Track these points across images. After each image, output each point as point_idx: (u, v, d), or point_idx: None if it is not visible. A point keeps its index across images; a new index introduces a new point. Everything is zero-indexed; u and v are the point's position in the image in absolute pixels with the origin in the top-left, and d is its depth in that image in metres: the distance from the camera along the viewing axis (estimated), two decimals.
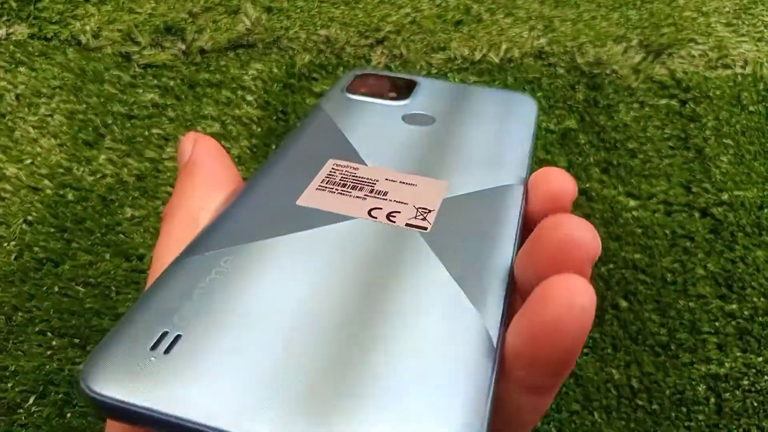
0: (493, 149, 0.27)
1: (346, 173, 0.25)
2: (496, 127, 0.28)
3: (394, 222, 0.23)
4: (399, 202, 0.24)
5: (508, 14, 0.43)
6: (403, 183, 0.25)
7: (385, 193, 0.24)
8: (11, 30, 0.40)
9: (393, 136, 0.27)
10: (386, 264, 0.21)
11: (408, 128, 0.27)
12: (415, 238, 0.22)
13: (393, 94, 0.29)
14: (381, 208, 0.24)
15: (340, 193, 0.24)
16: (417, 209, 0.24)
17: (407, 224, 0.23)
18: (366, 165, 0.25)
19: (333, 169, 0.25)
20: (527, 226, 0.23)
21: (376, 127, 0.27)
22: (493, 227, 0.23)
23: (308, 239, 0.22)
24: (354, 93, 0.29)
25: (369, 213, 0.23)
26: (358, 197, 0.24)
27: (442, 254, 0.22)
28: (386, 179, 0.25)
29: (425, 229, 0.23)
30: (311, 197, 0.23)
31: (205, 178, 0.24)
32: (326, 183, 0.24)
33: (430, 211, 0.24)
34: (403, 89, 0.30)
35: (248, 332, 0.18)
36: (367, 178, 0.25)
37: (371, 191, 0.25)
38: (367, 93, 0.29)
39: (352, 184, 0.25)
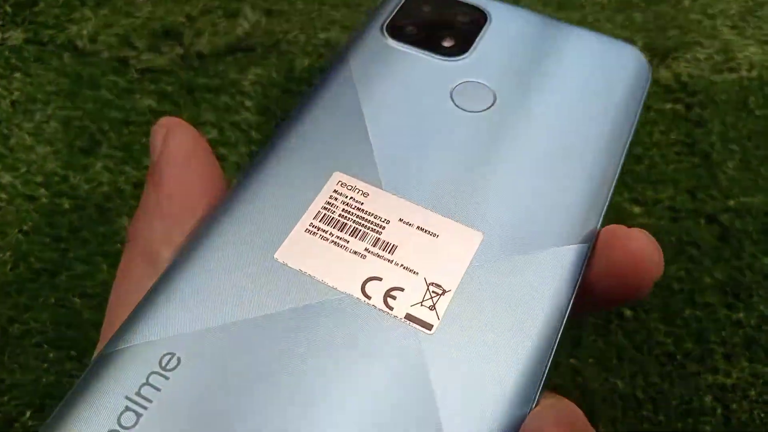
0: (565, 171, 0.20)
1: (350, 204, 0.19)
2: (579, 122, 0.21)
3: (392, 309, 0.17)
4: (407, 269, 0.18)
5: None
6: (422, 230, 0.19)
7: (394, 248, 0.18)
8: (6, 35, 0.40)
9: (430, 129, 0.21)
10: (362, 392, 0.16)
11: (453, 114, 0.21)
12: (412, 344, 0.17)
13: (449, 42, 0.23)
14: (381, 279, 0.18)
15: (335, 242, 0.18)
16: (428, 286, 0.18)
17: (407, 315, 0.17)
18: (381, 184, 0.19)
19: (336, 192, 0.19)
20: (583, 295, 0.18)
21: (409, 111, 0.21)
22: (528, 331, 0.17)
23: (272, 329, 0.16)
24: (396, 35, 0.22)
25: (363, 288, 0.18)
26: (356, 252, 0.18)
27: (443, 384, 0.16)
28: (401, 220, 0.19)
29: (429, 328, 0.17)
30: (295, 247, 0.18)
31: (172, 194, 0.19)
32: (320, 220, 0.19)
33: (444, 292, 0.18)
34: (466, 31, 0.23)
35: None
36: (376, 216, 0.19)
37: (376, 242, 0.18)
38: (414, 36, 0.23)
39: (353, 225, 0.19)
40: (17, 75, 0.39)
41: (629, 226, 0.18)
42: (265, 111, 0.39)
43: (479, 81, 0.22)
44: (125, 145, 0.37)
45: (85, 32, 0.40)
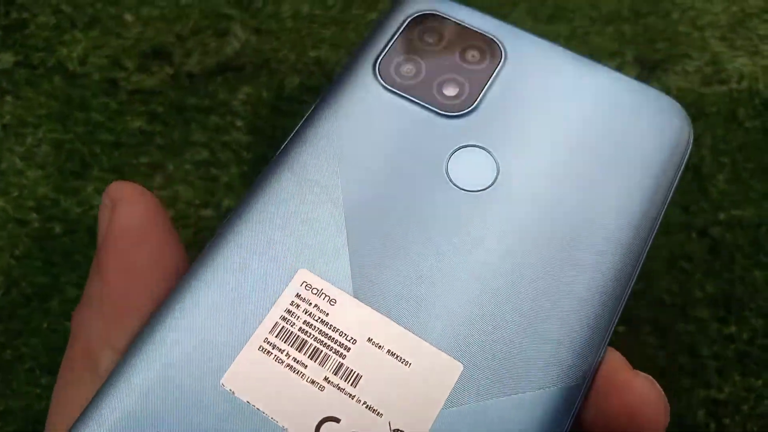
0: (570, 288, 0.17)
1: (314, 315, 0.16)
2: (597, 216, 0.18)
3: None
4: (371, 408, 0.15)
5: None
6: (393, 355, 0.16)
7: (358, 379, 0.16)
8: None
9: (417, 214, 0.18)
10: None
11: (447, 194, 0.18)
12: None
13: (452, 90, 0.20)
14: (338, 421, 0.15)
15: (291, 367, 0.16)
16: None
17: None
18: (352, 287, 0.16)
19: (298, 297, 0.16)
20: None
21: (396, 187, 0.18)
22: None
23: None
24: (388, 77, 0.20)
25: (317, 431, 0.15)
26: (314, 382, 0.15)
27: None
28: (370, 340, 0.16)
29: None
30: (245, 370, 0.15)
31: (115, 287, 0.16)
32: (277, 335, 0.16)
33: None
34: (474, 74, 0.20)
35: None
36: (341, 333, 0.16)
37: (338, 368, 0.16)
38: (411, 80, 0.20)
39: (314, 344, 0.16)
40: (8, 98, 0.39)
41: None
42: (256, 130, 0.39)
43: (482, 146, 0.19)
44: (116, 167, 0.38)
45: (75, 54, 0.40)
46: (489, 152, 0.19)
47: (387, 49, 0.21)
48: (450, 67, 0.21)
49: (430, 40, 0.21)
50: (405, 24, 0.21)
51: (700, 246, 0.37)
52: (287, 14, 0.42)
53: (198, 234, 0.36)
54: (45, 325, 0.34)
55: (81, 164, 0.38)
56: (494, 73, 0.20)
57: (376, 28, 0.21)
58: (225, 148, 0.38)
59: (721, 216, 0.37)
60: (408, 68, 0.20)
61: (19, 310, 0.34)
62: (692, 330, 0.36)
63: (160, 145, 0.38)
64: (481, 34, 0.21)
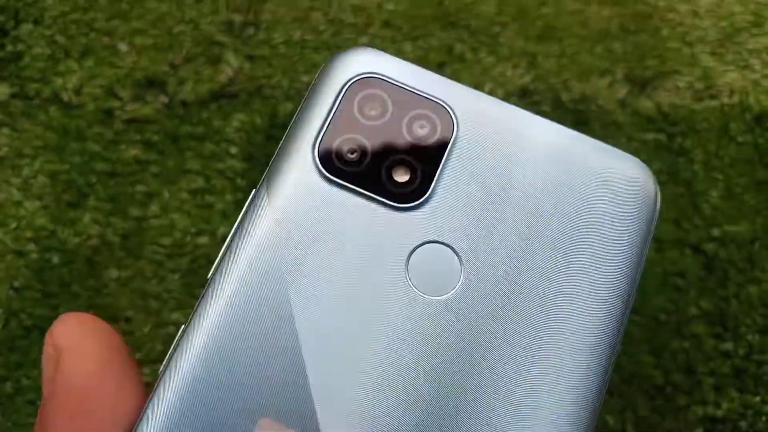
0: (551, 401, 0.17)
1: None
2: (575, 308, 0.17)
3: None
4: None
5: (491, 52, 0.43)
6: None
7: None
8: None
9: (380, 329, 0.16)
10: None
11: (412, 303, 0.17)
12: None
13: (402, 176, 0.18)
14: None
15: None
16: None
17: None
18: (316, 426, 0.15)
19: None
20: None
21: (355, 302, 0.17)
22: None
23: None
24: (329, 165, 0.18)
25: None
26: None
27: None
28: None
29: None
30: None
31: None
32: None
33: None
34: (426, 154, 0.18)
35: None
36: None
37: None
38: (355, 167, 0.18)
39: None
40: (5, 130, 0.40)
41: None
42: (250, 157, 0.39)
43: (443, 242, 0.18)
44: (112, 196, 0.38)
45: (70, 85, 0.41)
46: (451, 248, 0.18)
47: (325, 128, 0.18)
48: (398, 145, 0.19)
49: (373, 113, 0.19)
50: (342, 93, 0.19)
51: (693, 262, 0.37)
52: (279, 40, 0.42)
53: (194, 262, 0.37)
54: None
55: (77, 194, 0.38)
56: (448, 149, 0.18)
57: (310, 96, 0.19)
58: (220, 175, 0.38)
59: (715, 232, 0.38)
60: (351, 151, 0.18)
61: (19, 342, 0.35)
62: (688, 347, 0.36)
63: (156, 174, 0.38)
64: (428, 99, 0.19)
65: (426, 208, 0.18)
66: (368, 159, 0.18)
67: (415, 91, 0.19)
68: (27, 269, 0.36)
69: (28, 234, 0.37)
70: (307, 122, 0.18)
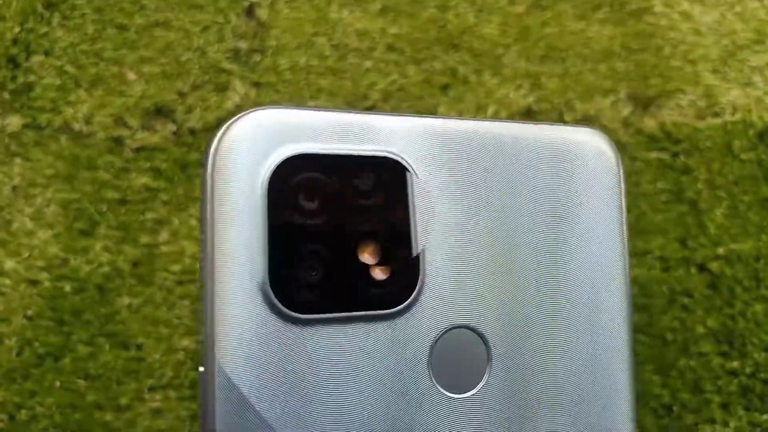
0: None
1: None
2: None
3: None
4: None
5: (495, 74, 0.44)
6: None
7: None
8: (6, 122, 0.41)
9: None
10: None
11: (436, 403, 0.15)
12: None
13: (380, 271, 0.15)
14: None
15: None
16: None
17: None
18: None
19: None
20: None
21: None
22: None
23: None
24: (295, 303, 0.15)
25: None
26: None
27: None
28: None
29: None
30: None
31: None
32: None
33: None
34: (393, 221, 0.15)
35: None
36: None
37: None
38: (323, 291, 0.15)
39: None
40: (17, 160, 0.40)
41: None
42: None
43: (462, 325, 0.15)
44: (123, 224, 0.39)
45: (80, 114, 0.41)
46: (474, 330, 0.16)
47: (269, 259, 0.14)
48: (359, 235, 0.15)
49: (312, 206, 0.15)
50: (267, 194, 0.15)
51: (699, 281, 0.37)
52: (285, 66, 0.43)
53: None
54: (58, 384, 0.35)
55: (89, 223, 0.39)
56: (412, 210, 0.16)
57: (217, 210, 0.15)
58: None
59: (720, 250, 0.38)
60: (312, 273, 0.15)
61: (33, 370, 0.35)
62: (695, 366, 0.36)
63: (165, 201, 0.39)
64: (371, 157, 0.16)
65: (425, 296, 0.15)
66: (333, 270, 0.15)
67: (350, 153, 0.16)
68: (40, 298, 0.37)
69: (41, 263, 0.38)
70: (235, 252, 0.14)
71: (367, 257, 0.15)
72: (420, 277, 0.15)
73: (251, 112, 0.16)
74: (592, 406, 0.17)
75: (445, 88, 0.43)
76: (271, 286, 0.14)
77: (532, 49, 0.44)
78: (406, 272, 0.15)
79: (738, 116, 0.41)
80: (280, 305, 0.15)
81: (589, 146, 0.19)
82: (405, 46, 0.44)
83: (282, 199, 0.15)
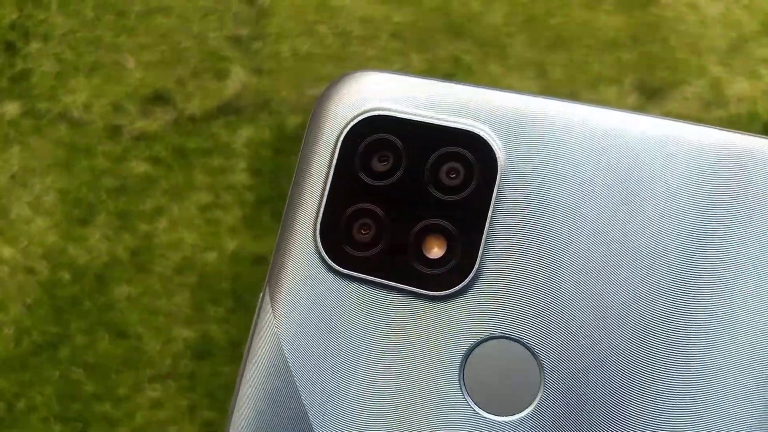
0: None
1: None
2: None
3: None
4: None
5: (499, 63, 0.43)
6: None
7: None
8: (5, 109, 0.41)
9: None
10: None
11: (468, 423, 0.13)
12: None
13: (437, 248, 0.14)
14: None
15: None
16: None
17: None
18: None
19: None
20: None
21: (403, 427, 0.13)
22: None
23: None
24: (343, 257, 0.14)
25: None
26: None
27: None
28: None
29: None
30: None
31: None
32: None
33: None
34: (463, 212, 0.14)
35: None
36: None
37: None
38: (375, 250, 0.14)
39: None
40: (16, 148, 0.40)
41: None
42: (258, 172, 0.39)
43: (510, 336, 0.13)
44: (122, 213, 0.38)
45: (79, 102, 0.41)
46: (522, 343, 0.13)
47: (324, 204, 0.14)
48: (424, 207, 0.14)
49: (383, 167, 0.14)
50: (339, 147, 0.14)
51: None
52: (286, 53, 0.42)
53: (202, 279, 0.37)
54: (57, 374, 0.35)
55: (87, 211, 0.38)
56: (494, 196, 0.14)
57: (303, 154, 0.15)
58: (228, 190, 0.39)
59: None
60: (363, 231, 0.14)
61: (31, 360, 0.35)
62: None
63: (165, 189, 0.39)
64: (457, 130, 0.14)
65: (474, 290, 0.13)
66: (387, 236, 0.14)
67: (437, 123, 0.14)
68: (38, 286, 0.37)
69: (39, 251, 0.37)
70: (302, 196, 0.15)
71: (423, 231, 0.15)
72: (475, 267, 0.14)
73: (350, 73, 0.16)
74: None
75: (449, 76, 0.42)
76: (322, 239, 0.15)
77: (538, 39, 0.43)
78: (462, 258, 0.14)
79: (744, 108, 0.41)
80: (324, 254, 0.15)
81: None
82: (409, 35, 0.43)
83: (352, 155, 0.15)
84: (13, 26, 0.42)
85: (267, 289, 0.15)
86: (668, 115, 0.41)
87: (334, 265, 0.15)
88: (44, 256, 0.37)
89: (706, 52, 0.42)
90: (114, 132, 0.41)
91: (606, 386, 0.13)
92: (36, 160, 0.40)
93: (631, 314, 0.13)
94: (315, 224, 0.15)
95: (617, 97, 0.41)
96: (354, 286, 0.14)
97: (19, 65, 0.41)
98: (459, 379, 0.13)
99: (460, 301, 0.14)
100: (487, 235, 0.14)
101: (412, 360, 0.14)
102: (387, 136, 0.15)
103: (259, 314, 0.15)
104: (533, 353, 0.13)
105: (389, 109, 0.15)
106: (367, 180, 0.15)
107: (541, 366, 0.13)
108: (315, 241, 0.15)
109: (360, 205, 0.15)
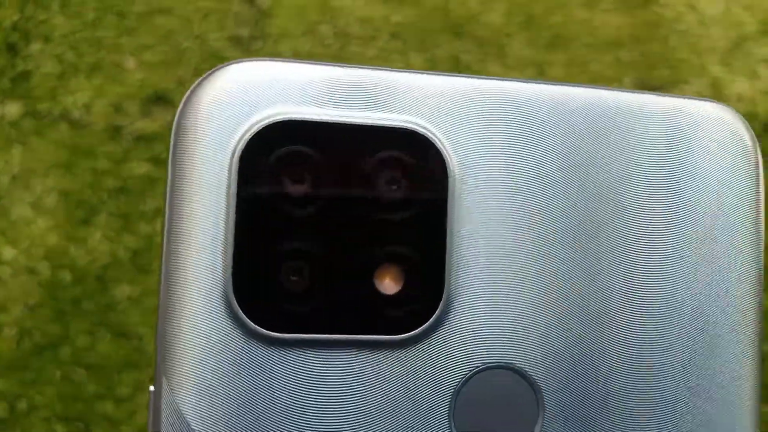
0: None
1: None
2: None
3: None
4: None
5: (499, 62, 0.43)
6: None
7: None
8: (6, 110, 0.41)
9: None
10: None
11: None
12: None
13: (390, 283, 0.12)
14: None
15: None
16: None
17: None
18: None
19: None
20: None
21: None
22: None
23: None
24: (272, 319, 0.11)
25: None
26: None
27: None
28: None
29: None
30: None
31: None
32: None
33: None
34: (413, 230, 0.12)
35: None
36: None
37: None
38: (307, 307, 0.11)
39: None
40: (17, 149, 0.40)
41: None
42: None
43: (499, 364, 0.11)
44: (123, 214, 0.38)
45: (80, 103, 0.41)
46: (515, 370, 0.11)
47: (234, 256, 0.11)
48: (367, 233, 0.11)
49: (302, 189, 0.11)
50: (236, 170, 0.11)
51: None
52: (287, 54, 0.42)
53: None
54: (58, 374, 0.35)
55: (89, 212, 0.38)
56: (448, 207, 0.11)
57: (180, 190, 0.11)
58: None
59: None
60: (293, 277, 0.11)
61: (33, 360, 0.35)
62: None
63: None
64: (391, 129, 0.12)
65: (450, 321, 0.11)
66: (324, 278, 0.11)
67: (360, 123, 0.11)
68: (39, 287, 0.37)
69: (41, 252, 0.38)
70: (196, 243, 0.11)
71: (373, 262, 0.11)
72: (444, 295, 0.11)
73: (232, 63, 0.11)
74: None
75: None
76: (237, 294, 0.11)
77: (538, 38, 0.43)
78: (425, 287, 0.11)
79: (743, 108, 0.41)
80: (246, 319, 0.11)
81: (715, 123, 0.14)
82: (408, 35, 0.44)
83: (257, 179, 0.11)
84: (14, 27, 0.42)
85: (163, 382, 0.11)
86: None
87: (264, 331, 0.11)
88: (45, 256, 0.37)
89: (706, 51, 0.42)
90: (115, 133, 0.41)
91: (603, 391, 0.12)
92: (37, 161, 0.40)
93: (612, 311, 0.13)
94: (225, 279, 0.11)
95: None
96: (293, 352, 0.11)
97: (20, 66, 0.42)
98: (450, 427, 0.12)
99: (434, 337, 0.11)
100: (451, 252, 0.11)
101: (387, 416, 0.11)
102: (301, 147, 0.11)
103: (157, 408, 0.11)
104: (527, 378, 0.12)
105: (297, 112, 0.11)
106: (287, 209, 0.11)
107: (537, 389, 0.12)
108: (228, 302, 0.11)
109: (283, 245, 0.11)
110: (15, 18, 0.42)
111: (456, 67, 0.43)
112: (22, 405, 0.35)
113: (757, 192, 0.14)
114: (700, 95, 0.41)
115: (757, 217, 0.14)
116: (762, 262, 0.14)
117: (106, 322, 0.36)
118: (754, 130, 0.41)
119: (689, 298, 0.12)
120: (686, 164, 0.13)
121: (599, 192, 0.12)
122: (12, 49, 0.42)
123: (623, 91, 0.14)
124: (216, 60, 0.42)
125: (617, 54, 0.43)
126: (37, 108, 0.41)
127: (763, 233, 0.14)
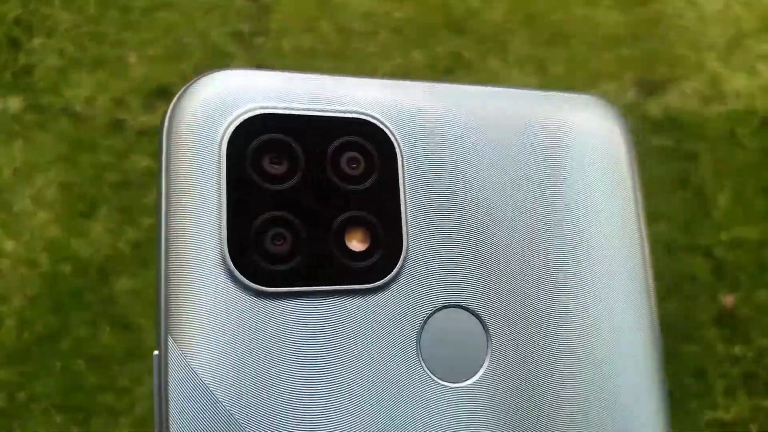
0: None
1: None
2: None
3: None
4: None
5: (499, 58, 0.43)
6: None
7: None
8: (8, 103, 0.41)
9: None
10: None
11: (429, 394, 0.14)
12: None
13: (361, 241, 0.14)
14: None
15: None
16: None
17: None
18: None
19: None
20: None
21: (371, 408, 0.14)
22: None
23: None
24: (261, 274, 0.14)
25: None
26: None
27: None
28: None
29: None
30: None
31: None
32: None
33: None
34: (374, 197, 0.14)
35: None
36: None
37: None
38: (293, 262, 0.14)
39: None
40: (19, 142, 0.40)
41: None
42: None
43: (456, 304, 0.14)
44: (124, 207, 0.38)
45: (82, 97, 0.41)
46: (467, 309, 0.15)
47: (228, 225, 0.13)
48: (336, 202, 0.14)
49: (281, 169, 0.14)
50: (224, 155, 0.14)
51: (704, 267, 0.37)
52: (288, 49, 0.43)
53: None
54: (58, 365, 0.35)
55: (90, 205, 0.38)
56: (401, 175, 0.15)
57: (175, 174, 0.14)
58: None
59: (724, 236, 0.38)
60: (277, 242, 0.14)
61: (33, 351, 0.35)
62: (698, 351, 0.36)
63: None
64: (347, 119, 0.15)
65: (410, 270, 0.14)
66: (303, 240, 0.14)
67: (322, 115, 0.15)
68: (40, 279, 0.37)
69: (41, 244, 0.37)
70: (192, 216, 0.13)
71: (342, 225, 0.15)
72: (404, 249, 0.15)
73: (211, 73, 0.15)
74: (612, 402, 0.15)
75: (448, 71, 0.43)
76: (232, 256, 0.14)
77: (538, 35, 0.44)
78: (388, 243, 0.15)
79: (742, 104, 0.41)
80: (241, 276, 0.13)
81: (591, 116, 0.17)
82: (409, 30, 0.44)
83: (242, 162, 0.14)
84: (17, 21, 0.42)
85: (168, 337, 0.13)
86: (667, 111, 0.41)
87: (256, 286, 0.14)
88: (46, 249, 0.37)
89: (705, 48, 0.43)
90: (117, 126, 0.41)
91: (538, 323, 0.15)
92: (39, 154, 0.40)
93: (540, 265, 0.16)
94: (221, 245, 0.13)
95: (617, 92, 0.41)
96: (281, 303, 0.14)
97: (23, 60, 0.42)
98: (418, 357, 0.14)
99: (397, 284, 0.14)
100: (406, 214, 0.15)
101: (362, 353, 0.14)
102: (277, 135, 0.14)
103: (165, 368, 0.13)
104: (477, 316, 0.15)
105: (272, 107, 0.14)
106: (268, 186, 0.14)
107: (485, 324, 0.15)
108: (225, 264, 0.13)
109: (268, 214, 0.14)
110: (18, 12, 0.42)
111: (457, 63, 0.43)
112: (22, 395, 0.34)
113: (631, 176, 0.17)
114: (699, 91, 0.41)
115: (635, 198, 0.17)
116: (645, 227, 0.17)
117: (106, 313, 0.36)
118: (752, 127, 0.41)
119: (593, 249, 0.16)
120: (563, 156, 0.16)
121: (508, 180, 0.16)
122: (15, 44, 0.42)
123: (516, 89, 0.17)
124: (218, 55, 0.42)
125: (617, 50, 0.43)
126: (40, 102, 0.41)
127: (642, 210, 0.17)
